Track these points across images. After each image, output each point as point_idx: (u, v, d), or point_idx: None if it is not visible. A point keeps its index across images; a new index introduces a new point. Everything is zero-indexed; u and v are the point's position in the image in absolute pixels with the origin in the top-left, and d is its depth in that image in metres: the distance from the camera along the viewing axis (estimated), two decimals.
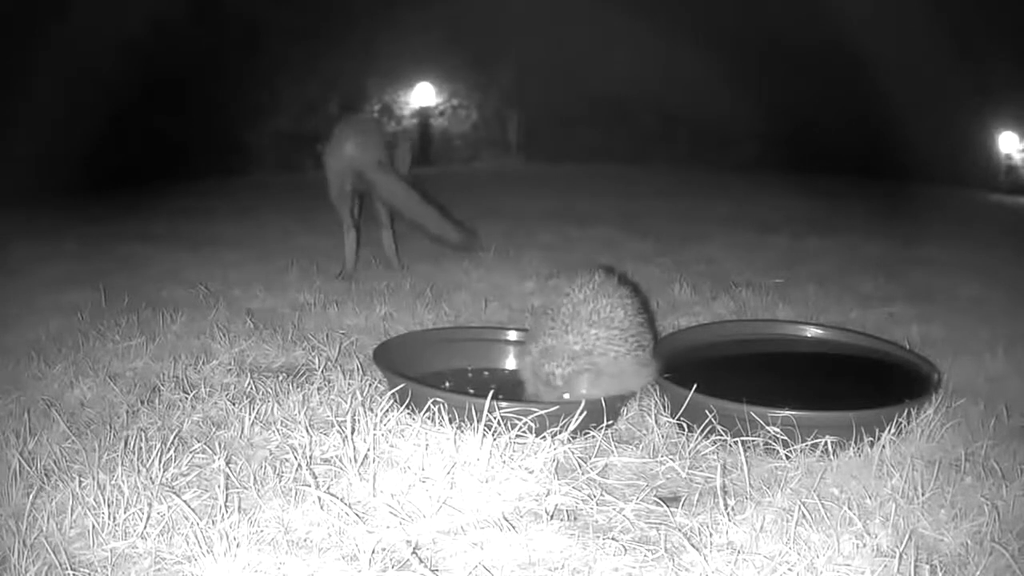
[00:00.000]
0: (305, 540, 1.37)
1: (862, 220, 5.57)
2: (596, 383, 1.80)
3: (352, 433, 1.68)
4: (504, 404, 1.69)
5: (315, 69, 9.16)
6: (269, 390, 2.02)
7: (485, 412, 1.67)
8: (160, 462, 1.56)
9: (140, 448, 1.62)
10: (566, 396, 1.80)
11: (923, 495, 1.51)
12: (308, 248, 3.98)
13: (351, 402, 1.87)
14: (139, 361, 2.29)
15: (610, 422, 1.85)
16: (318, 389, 2.00)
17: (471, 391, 2.03)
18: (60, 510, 1.43)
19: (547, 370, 1.79)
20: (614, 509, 1.48)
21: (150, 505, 1.42)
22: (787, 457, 1.68)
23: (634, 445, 1.78)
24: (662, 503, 1.50)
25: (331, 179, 3.41)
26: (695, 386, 1.77)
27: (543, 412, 1.70)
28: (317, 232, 4.29)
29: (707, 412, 1.75)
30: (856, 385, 2.09)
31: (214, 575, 1.27)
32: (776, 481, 1.59)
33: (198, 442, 1.68)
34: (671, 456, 1.68)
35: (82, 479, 1.52)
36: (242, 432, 1.77)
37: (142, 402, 1.97)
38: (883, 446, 1.70)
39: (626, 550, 1.35)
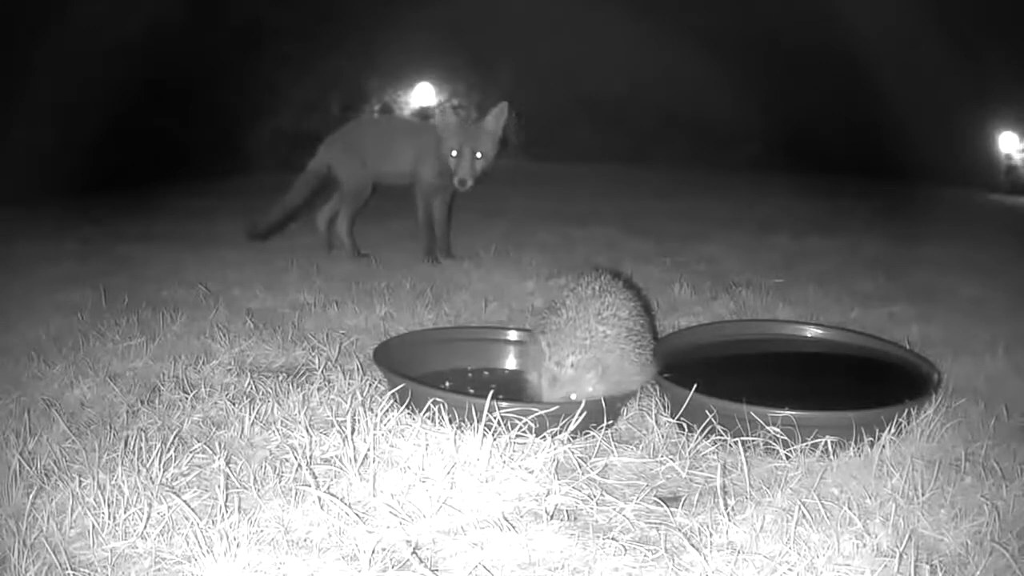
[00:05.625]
0: (305, 540, 1.37)
1: (862, 220, 5.57)
2: (601, 380, 1.80)
3: (352, 433, 1.68)
4: (504, 404, 1.69)
5: (315, 69, 9.16)
6: (269, 390, 2.02)
7: (485, 412, 1.67)
8: (160, 462, 1.56)
9: (140, 448, 1.62)
10: (571, 395, 1.80)
11: (923, 495, 1.51)
12: (308, 248, 3.98)
13: (351, 402, 1.87)
14: (139, 361, 2.29)
15: (610, 422, 1.85)
16: (318, 389, 2.00)
17: (471, 391, 2.03)
18: (60, 510, 1.43)
19: (557, 359, 1.79)
20: (614, 509, 1.48)
21: (150, 505, 1.42)
22: (787, 457, 1.68)
23: (634, 445, 1.78)
24: (662, 503, 1.50)
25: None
26: (695, 386, 1.77)
27: (543, 412, 1.69)
28: (317, 232, 4.28)
29: (707, 412, 1.75)
30: (856, 385, 2.09)
31: (214, 575, 1.27)
32: (776, 481, 1.58)
33: (198, 442, 1.68)
34: (671, 456, 1.68)
35: (82, 479, 1.51)
36: (242, 432, 1.77)
37: (142, 402, 1.97)
38: (883, 446, 1.70)
39: (626, 550, 1.35)
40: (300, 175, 3.94)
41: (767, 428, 1.69)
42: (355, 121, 4.48)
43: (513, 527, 1.40)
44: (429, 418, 1.75)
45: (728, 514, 1.44)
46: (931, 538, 1.40)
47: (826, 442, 1.68)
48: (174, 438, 1.71)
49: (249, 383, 2.07)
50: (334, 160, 3.87)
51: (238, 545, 1.32)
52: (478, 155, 3.49)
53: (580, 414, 1.72)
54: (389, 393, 1.86)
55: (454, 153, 3.49)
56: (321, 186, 3.94)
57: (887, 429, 1.73)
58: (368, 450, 1.63)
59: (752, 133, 9.90)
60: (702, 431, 1.75)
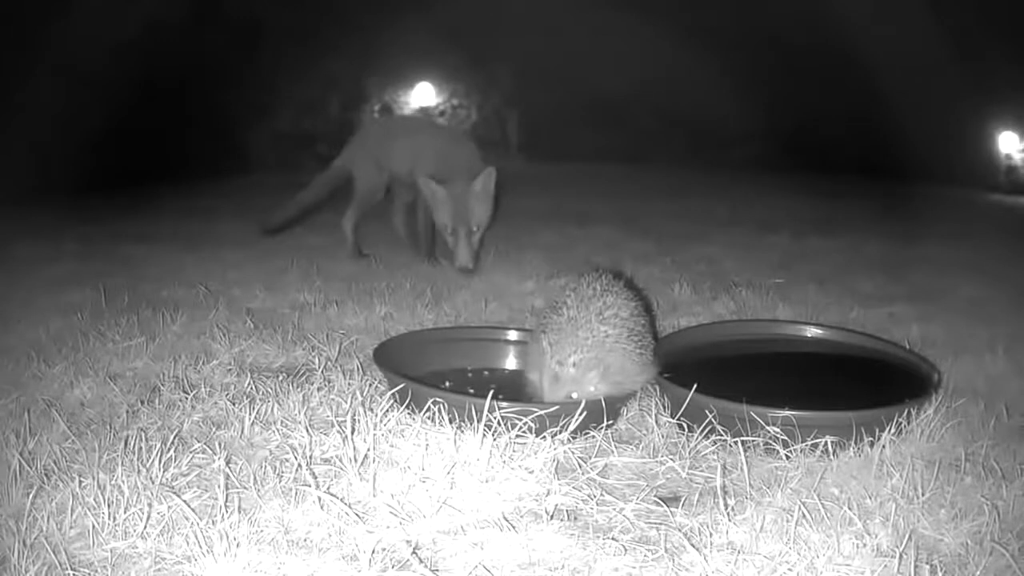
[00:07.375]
0: (305, 540, 1.37)
1: (862, 220, 5.57)
2: (603, 379, 1.80)
3: (352, 433, 1.68)
4: (504, 404, 1.69)
5: (315, 69, 9.16)
6: (269, 390, 2.02)
7: (485, 412, 1.67)
8: (160, 462, 1.56)
9: (140, 448, 1.62)
10: (573, 395, 1.80)
11: (923, 495, 1.51)
12: (308, 248, 3.98)
13: (351, 402, 1.87)
14: (139, 361, 2.29)
15: (610, 422, 1.85)
16: (318, 389, 2.00)
17: (471, 391, 2.03)
18: (60, 510, 1.43)
19: (559, 358, 1.79)
20: (614, 509, 1.48)
21: (150, 505, 1.42)
22: (787, 457, 1.68)
23: (634, 445, 1.78)
24: (662, 503, 1.50)
25: None
26: (695, 386, 1.77)
27: (543, 412, 1.69)
28: (317, 232, 4.29)
29: (707, 412, 1.75)
30: (856, 385, 2.09)
31: (214, 575, 1.27)
32: (776, 481, 1.58)
33: (198, 442, 1.68)
34: (671, 456, 1.68)
35: (82, 479, 1.52)
36: (242, 432, 1.77)
37: (142, 402, 1.97)
38: (883, 446, 1.70)
39: (626, 550, 1.35)
40: (321, 172, 3.91)
41: (767, 428, 1.69)
42: (379, 121, 4.43)
43: (513, 527, 1.40)
44: (429, 418, 1.76)
45: (728, 514, 1.44)
46: (931, 538, 1.41)
47: (826, 442, 1.68)
48: (174, 438, 1.71)
49: (249, 383, 2.07)
50: (352, 160, 3.85)
51: (238, 545, 1.32)
52: (474, 229, 3.38)
53: (580, 414, 1.72)
54: (389, 393, 1.86)
55: (448, 231, 3.39)
56: (343, 185, 3.90)
57: (887, 429, 1.73)
58: (368, 450, 1.63)
59: (752, 133, 9.90)
60: (702, 431, 1.75)
